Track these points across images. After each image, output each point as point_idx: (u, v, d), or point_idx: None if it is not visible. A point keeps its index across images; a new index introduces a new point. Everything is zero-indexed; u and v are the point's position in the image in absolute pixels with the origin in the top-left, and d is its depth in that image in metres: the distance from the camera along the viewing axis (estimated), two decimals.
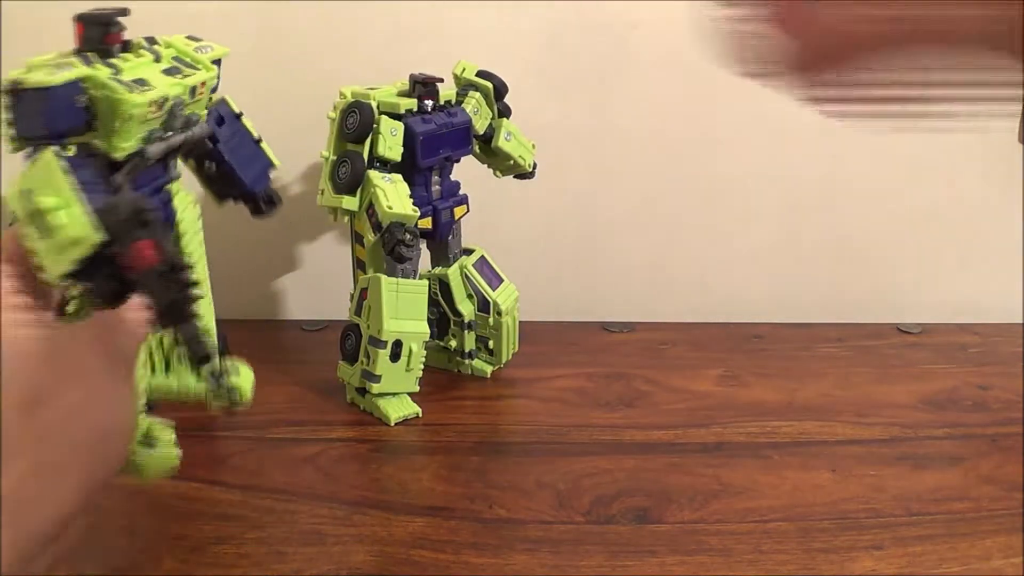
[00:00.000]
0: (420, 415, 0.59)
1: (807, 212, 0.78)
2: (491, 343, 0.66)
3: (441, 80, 0.59)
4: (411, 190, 0.56)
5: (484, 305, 0.65)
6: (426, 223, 0.60)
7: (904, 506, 0.50)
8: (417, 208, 0.56)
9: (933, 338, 0.75)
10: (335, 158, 0.57)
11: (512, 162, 0.64)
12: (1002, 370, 0.68)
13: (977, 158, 0.77)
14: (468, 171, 0.63)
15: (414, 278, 0.60)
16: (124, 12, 0.41)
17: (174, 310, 0.33)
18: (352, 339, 0.59)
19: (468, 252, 0.65)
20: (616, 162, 0.76)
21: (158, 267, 0.33)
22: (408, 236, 0.54)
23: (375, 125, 0.56)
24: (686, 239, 0.79)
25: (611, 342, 0.73)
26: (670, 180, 0.77)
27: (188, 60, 0.44)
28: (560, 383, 0.65)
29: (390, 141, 0.56)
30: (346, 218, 0.58)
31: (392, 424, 0.58)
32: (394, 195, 0.55)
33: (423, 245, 0.63)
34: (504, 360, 0.66)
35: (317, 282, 0.78)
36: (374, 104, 0.56)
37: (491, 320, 0.64)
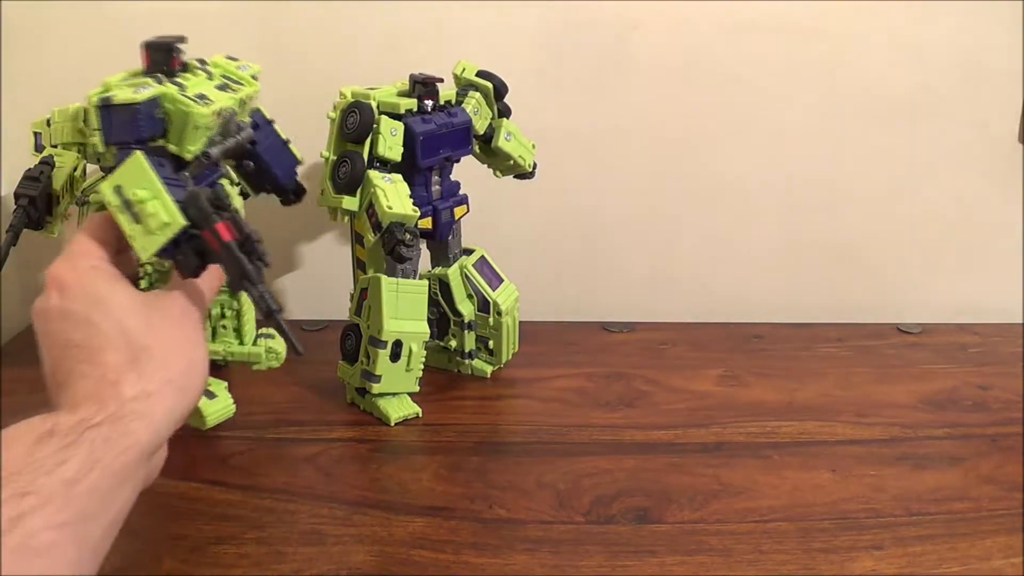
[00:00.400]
0: (420, 415, 0.59)
1: (807, 213, 0.78)
2: (491, 343, 0.66)
3: (441, 80, 0.59)
4: (411, 190, 0.56)
5: (484, 305, 0.65)
6: (426, 223, 0.60)
7: (904, 506, 0.50)
8: (417, 208, 0.56)
9: (933, 338, 0.75)
10: (335, 158, 0.57)
11: (512, 162, 0.64)
12: (1002, 370, 0.68)
13: (977, 158, 0.77)
14: (468, 171, 0.63)
15: (414, 278, 0.60)
16: (183, 39, 0.48)
17: (249, 275, 0.39)
18: (352, 339, 0.59)
19: (468, 252, 0.65)
20: (616, 162, 0.76)
21: (235, 242, 0.39)
22: (408, 236, 0.54)
23: (375, 125, 0.56)
24: (686, 239, 0.79)
25: (611, 342, 0.73)
26: (670, 180, 0.77)
27: (234, 78, 0.50)
28: (560, 383, 0.65)
29: (390, 141, 0.56)
30: (346, 218, 0.58)
31: (392, 424, 0.58)
32: (394, 195, 0.55)
33: (423, 245, 0.63)
34: (504, 360, 0.66)
35: (317, 282, 0.78)
36: (374, 104, 0.56)
37: (491, 320, 0.64)
